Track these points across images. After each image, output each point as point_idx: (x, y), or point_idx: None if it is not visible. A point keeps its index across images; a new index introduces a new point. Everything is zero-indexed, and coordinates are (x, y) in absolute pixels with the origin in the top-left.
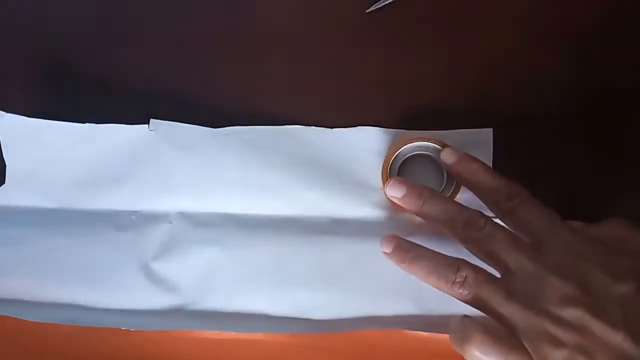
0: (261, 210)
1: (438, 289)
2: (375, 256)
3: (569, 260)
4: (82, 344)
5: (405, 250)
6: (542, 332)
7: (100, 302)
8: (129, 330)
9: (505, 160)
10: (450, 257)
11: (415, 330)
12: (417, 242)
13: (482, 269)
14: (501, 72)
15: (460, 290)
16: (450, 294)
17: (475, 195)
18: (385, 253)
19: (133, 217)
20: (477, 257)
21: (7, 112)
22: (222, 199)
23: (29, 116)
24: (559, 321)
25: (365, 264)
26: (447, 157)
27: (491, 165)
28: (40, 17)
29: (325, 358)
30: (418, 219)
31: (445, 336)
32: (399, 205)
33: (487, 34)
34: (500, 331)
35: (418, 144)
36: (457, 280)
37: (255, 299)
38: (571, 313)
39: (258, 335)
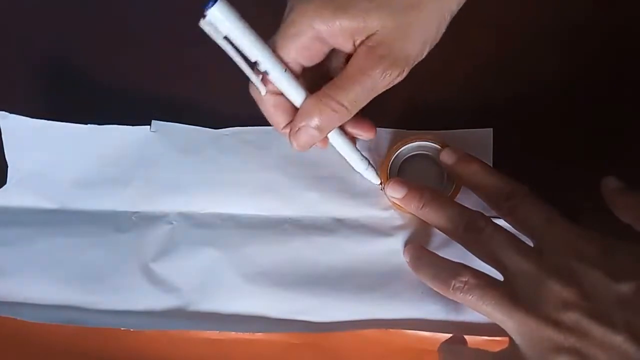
0: (261, 210)
1: (442, 293)
2: (376, 257)
3: (568, 261)
4: (82, 344)
5: (416, 257)
6: (542, 338)
7: (100, 302)
8: (129, 330)
9: (505, 160)
10: (453, 262)
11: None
12: (421, 241)
13: (483, 273)
14: (501, 72)
15: (462, 295)
16: (453, 299)
17: (476, 194)
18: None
19: (133, 217)
20: (479, 258)
21: (10, 112)
22: (223, 199)
23: (31, 117)
24: (559, 326)
25: (366, 264)
26: (447, 157)
27: (491, 165)
28: (42, 19)
29: (325, 358)
30: (419, 219)
31: (446, 335)
32: (399, 206)
33: (487, 33)
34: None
35: (418, 144)
36: (457, 285)
37: (256, 300)
38: (570, 317)
39: (258, 335)
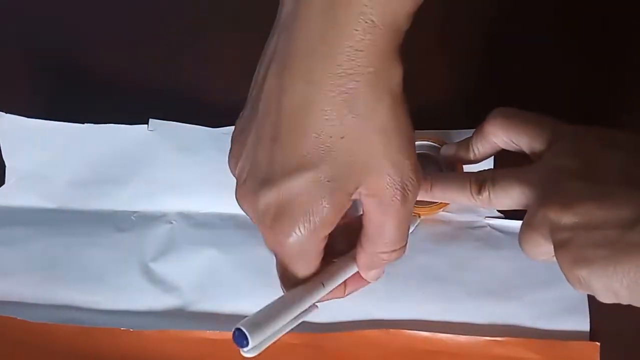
0: None
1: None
2: None
3: (572, 147)
4: (82, 344)
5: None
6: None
7: (100, 302)
8: (129, 330)
9: (506, 159)
10: None
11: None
12: (421, 242)
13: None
14: (502, 72)
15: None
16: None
17: None
18: None
19: (133, 217)
20: (500, 207)
21: (6, 112)
22: (222, 199)
23: (28, 116)
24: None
25: None
26: (447, 149)
27: (492, 164)
28: (40, 18)
29: (325, 358)
30: (419, 219)
31: (446, 336)
32: None
33: (487, 33)
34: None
35: (418, 143)
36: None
37: (255, 300)
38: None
39: None
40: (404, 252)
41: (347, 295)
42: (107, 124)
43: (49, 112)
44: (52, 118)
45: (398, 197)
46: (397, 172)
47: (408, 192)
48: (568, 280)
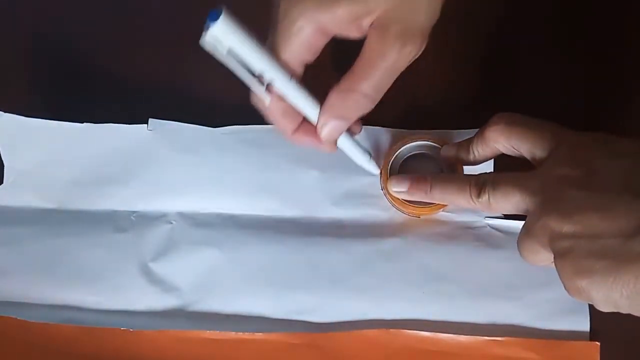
0: (261, 210)
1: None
2: (376, 257)
3: (573, 154)
4: (82, 344)
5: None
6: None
7: (100, 302)
8: (129, 330)
9: (505, 159)
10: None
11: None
12: (421, 242)
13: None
14: (502, 72)
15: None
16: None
17: None
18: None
19: (132, 217)
20: (500, 211)
21: (5, 111)
22: (222, 199)
23: (28, 116)
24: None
25: (366, 265)
26: (447, 150)
27: (492, 166)
28: (40, 17)
29: (325, 358)
30: (419, 219)
31: (446, 335)
32: (399, 205)
33: (487, 33)
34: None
35: (418, 143)
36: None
37: (255, 300)
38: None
39: (258, 335)
40: (371, 107)
41: (292, 140)
42: (107, 124)
43: (48, 112)
44: (52, 118)
45: (399, 39)
46: (409, 16)
47: (409, 42)
48: (567, 290)
